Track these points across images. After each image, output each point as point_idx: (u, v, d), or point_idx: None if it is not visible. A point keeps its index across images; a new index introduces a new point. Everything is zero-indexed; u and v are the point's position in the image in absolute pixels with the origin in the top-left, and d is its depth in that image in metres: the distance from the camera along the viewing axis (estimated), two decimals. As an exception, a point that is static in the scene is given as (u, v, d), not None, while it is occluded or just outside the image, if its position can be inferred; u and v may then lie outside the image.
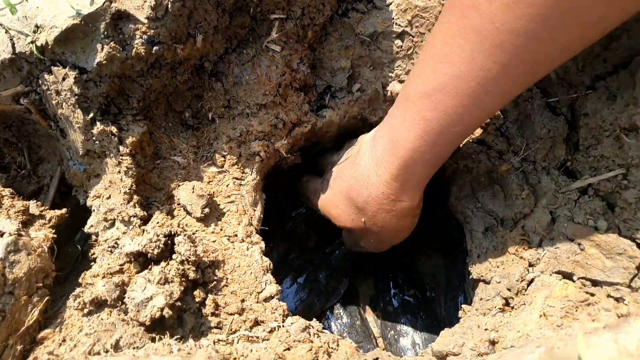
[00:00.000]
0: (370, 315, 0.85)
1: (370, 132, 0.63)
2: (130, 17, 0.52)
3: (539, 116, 0.59)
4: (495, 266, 0.60)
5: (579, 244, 0.53)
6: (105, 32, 0.52)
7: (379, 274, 0.89)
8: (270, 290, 0.55)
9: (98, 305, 0.48)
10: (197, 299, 0.50)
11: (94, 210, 0.56)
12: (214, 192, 0.62)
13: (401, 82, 0.68)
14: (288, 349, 0.49)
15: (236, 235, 0.60)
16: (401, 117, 0.52)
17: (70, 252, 0.63)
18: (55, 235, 0.54)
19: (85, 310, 0.47)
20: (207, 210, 0.59)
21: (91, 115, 0.55)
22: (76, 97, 0.53)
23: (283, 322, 0.52)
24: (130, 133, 0.57)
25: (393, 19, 0.65)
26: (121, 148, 0.56)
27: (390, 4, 0.65)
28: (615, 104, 0.51)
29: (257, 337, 0.50)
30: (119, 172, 0.56)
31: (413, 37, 0.65)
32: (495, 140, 0.65)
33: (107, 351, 0.43)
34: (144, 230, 0.53)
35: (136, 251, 0.49)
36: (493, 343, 0.51)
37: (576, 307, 0.48)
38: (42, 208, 0.57)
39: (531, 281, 0.55)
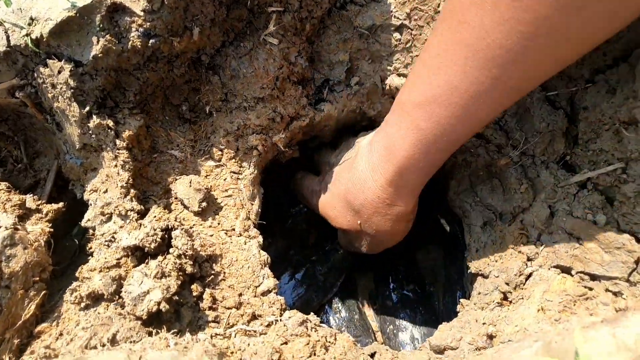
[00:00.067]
0: (369, 310, 0.85)
1: (367, 135, 0.65)
2: (126, 9, 0.52)
3: (538, 110, 0.59)
4: (494, 260, 0.60)
5: (578, 238, 0.52)
6: (101, 25, 0.51)
7: (378, 268, 0.89)
8: (268, 284, 0.55)
9: (95, 299, 0.48)
10: (195, 293, 0.50)
11: (90, 204, 0.56)
12: (211, 186, 0.62)
13: (400, 75, 0.68)
14: (285, 342, 0.49)
15: (234, 230, 0.60)
16: (396, 125, 0.53)
17: (68, 246, 0.63)
18: (52, 230, 0.54)
19: (82, 305, 0.47)
20: (204, 204, 0.59)
21: (87, 108, 0.54)
22: (72, 90, 0.53)
23: (280, 316, 0.52)
24: (126, 127, 0.57)
25: (391, 11, 0.64)
26: (118, 142, 0.56)
27: (389, -4, 0.64)
28: (614, 97, 0.50)
29: (255, 331, 0.50)
30: (116, 165, 0.56)
31: (412, 30, 0.65)
32: (494, 134, 0.64)
33: (103, 345, 0.43)
34: (141, 224, 0.53)
35: (133, 245, 0.49)
36: (491, 337, 0.51)
37: (574, 301, 0.48)
38: (39, 202, 0.57)
39: (529, 275, 0.55)
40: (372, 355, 0.54)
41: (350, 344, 0.52)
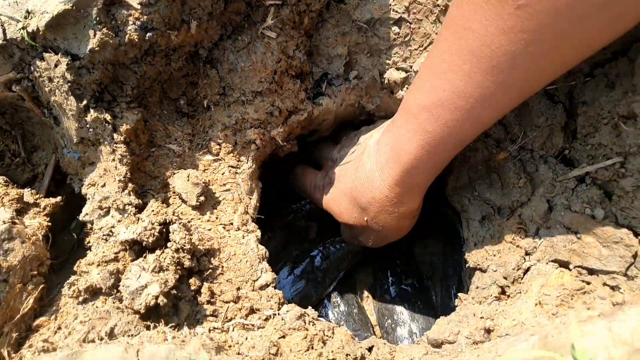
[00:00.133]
0: (367, 304, 0.86)
1: (374, 133, 0.66)
2: (122, 2, 0.51)
3: (537, 104, 0.58)
4: (492, 255, 0.60)
5: (576, 233, 0.52)
6: (98, 18, 0.51)
7: (377, 262, 0.89)
8: (266, 278, 0.55)
9: (93, 293, 0.48)
10: (193, 287, 0.50)
11: (88, 199, 0.56)
12: (209, 180, 0.62)
13: (398, 69, 0.68)
14: (283, 336, 0.49)
15: (232, 224, 0.60)
16: (403, 127, 0.54)
17: (66, 240, 0.63)
18: (50, 224, 0.54)
19: (80, 298, 0.47)
20: (202, 198, 0.59)
21: (84, 102, 0.54)
22: (69, 84, 0.53)
23: (278, 310, 0.52)
24: (124, 121, 0.57)
25: (390, 5, 0.64)
26: (115, 136, 0.56)
27: (388, -11, 0.64)
28: (613, 91, 0.50)
29: (253, 325, 0.50)
30: (114, 160, 0.56)
31: (410, 23, 0.65)
32: (492, 129, 0.64)
33: (101, 339, 0.43)
34: (139, 219, 0.53)
35: (131, 239, 0.49)
36: (488, 331, 0.51)
37: (572, 295, 0.48)
38: (37, 196, 0.57)
39: (527, 270, 0.55)
40: (370, 349, 0.54)
41: (348, 338, 0.52)
